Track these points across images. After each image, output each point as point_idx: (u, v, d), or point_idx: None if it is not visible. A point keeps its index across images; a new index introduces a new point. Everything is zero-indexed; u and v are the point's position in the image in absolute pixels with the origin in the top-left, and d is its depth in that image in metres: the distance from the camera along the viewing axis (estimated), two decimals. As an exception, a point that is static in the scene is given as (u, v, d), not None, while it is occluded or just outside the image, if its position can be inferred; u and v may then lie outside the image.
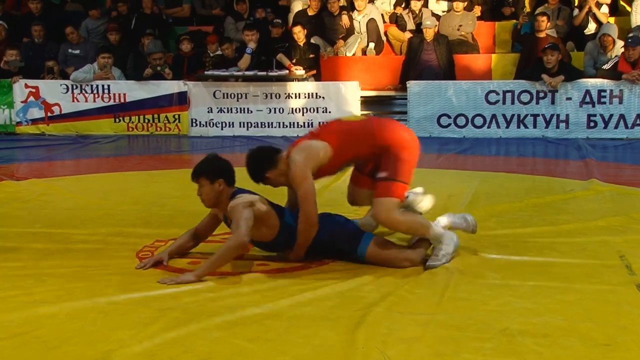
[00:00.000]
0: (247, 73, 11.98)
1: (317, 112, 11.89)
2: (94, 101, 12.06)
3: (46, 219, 6.87)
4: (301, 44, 12.17)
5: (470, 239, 5.65)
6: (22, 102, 12.06)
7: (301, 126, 11.75)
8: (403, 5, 13.22)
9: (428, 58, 11.99)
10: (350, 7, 13.17)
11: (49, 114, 12.07)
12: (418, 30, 12.51)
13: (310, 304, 4.44)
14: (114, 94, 12.06)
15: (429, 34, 11.97)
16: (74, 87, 12.01)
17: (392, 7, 13.37)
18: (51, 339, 3.89)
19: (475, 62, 12.45)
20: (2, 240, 5.96)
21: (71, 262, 5.32)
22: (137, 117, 12.11)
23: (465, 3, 12.63)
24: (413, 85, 11.67)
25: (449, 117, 11.54)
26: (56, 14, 13.90)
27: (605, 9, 12.61)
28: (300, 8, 13.32)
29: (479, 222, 5.81)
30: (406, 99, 11.76)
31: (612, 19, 12.59)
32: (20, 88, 12.05)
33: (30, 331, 3.99)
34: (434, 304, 4.41)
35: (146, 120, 12.13)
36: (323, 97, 11.87)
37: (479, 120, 11.46)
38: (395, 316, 4.20)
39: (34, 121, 12.09)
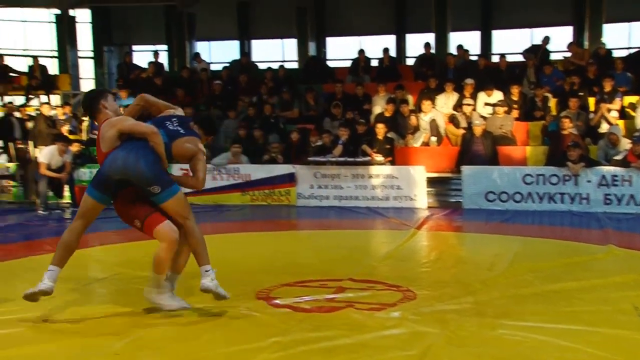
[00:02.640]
0: (340, 159, 12.12)
1: (392, 189, 11.92)
2: (228, 179, 12.30)
3: (191, 265, 6.99)
4: (381, 137, 12.29)
5: (513, 288, 5.60)
6: (176, 180, 12.36)
7: (380, 199, 11.78)
8: (458, 109, 13.22)
9: (477, 149, 11.97)
10: (418, 109, 13.25)
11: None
12: (469, 127, 12.46)
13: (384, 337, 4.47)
14: (242, 174, 12.28)
15: (477, 131, 11.98)
16: (214, 169, 12.28)
17: (450, 109, 13.38)
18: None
19: (514, 152, 12.35)
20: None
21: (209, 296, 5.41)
22: (258, 191, 12.29)
23: (506, 108, 12.63)
24: (466, 169, 11.65)
25: (494, 193, 11.44)
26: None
27: (615, 114, 12.45)
28: (380, 111, 13.47)
29: (520, 276, 5.78)
30: (461, 179, 11.71)
31: (621, 122, 12.42)
32: (175, 170, 12.35)
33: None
34: (486, 340, 4.38)
35: (264, 194, 12.30)
36: (397, 178, 11.89)
37: (518, 197, 11.34)
38: (453, 349, 4.20)
39: (185, 194, 12.32)
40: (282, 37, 22.71)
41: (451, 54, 15.71)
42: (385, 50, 16.15)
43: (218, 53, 22.89)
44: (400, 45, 21.37)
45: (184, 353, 4.30)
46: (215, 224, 10.37)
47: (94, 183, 5.00)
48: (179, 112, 5.52)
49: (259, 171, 12.35)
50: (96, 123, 5.31)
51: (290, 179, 12.18)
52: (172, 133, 5.15)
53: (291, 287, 5.91)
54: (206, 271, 5.04)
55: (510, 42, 19.66)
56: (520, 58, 15.52)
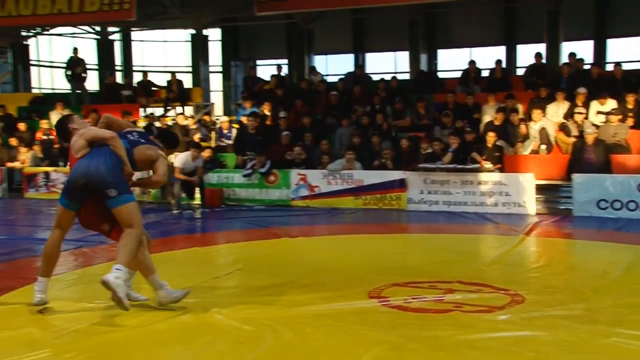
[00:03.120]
0: (449, 166, 11.91)
1: (501, 195, 11.57)
2: (342, 184, 12.35)
3: (307, 265, 7.08)
4: (490, 145, 11.98)
5: (627, 296, 5.32)
6: (295, 184, 12.56)
7: (488, 205, 11.48)
8: (569, 118, 12.67)
9: (589, 157, 11.42)
10: (528, 118, 12.82)
11: (312, 193, 12.47)
12: (581, 136, 11.91)
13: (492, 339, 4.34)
14: (355, 179, 12.30)
15: (589, 139, 11.43)
16: (329, 174, 12.36)
17: (560, 118, 12.85)
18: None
19: (629, 160, 11.67)
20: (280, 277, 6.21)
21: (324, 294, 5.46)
22: (370, 195, 12.26)
23: (620, 116, 11.98)
24: (577, 177, 11.14)
25: (607, 201, 10.84)
26: (320, 127, 14.39)
27: None
28: (489, 120, 13.13)
29: (635, 284, 5.51)
30: (571, 187, 11.21)
31: None
32: (294, 175, 12.57)
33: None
34: (598, 347, 4.17)
35: (376, 198, 12.25)
36: (506, 184, 11.54)
37: (632, 205, 10.66)
38: (564, 355, 4.07)
39: (302, 198, 12.53)
40: (394, 50, 22.63)
41: (566, 64, 15.10)
42: (498, 62, 15.76)
43: (334, 66, 23.07)
44: (511, 55, 20.80)
45: (301, 345, 4.35)
46: (329, 226, 10.44)
47: (63, 191, 5.14)
48: (139, 129, 5.63)
49: (371, 177, 12.32)
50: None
51: (401, 184, 12.08)
52: (133, 142, 5.26)
53: (401, 288, 5.86)
54: (117, 269, 4.80)
55: (626, 51, 18.68)
56: (637, 66, 14.69)
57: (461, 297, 5.51)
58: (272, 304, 5.33)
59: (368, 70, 20.85)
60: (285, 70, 20.35)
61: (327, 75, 19.58)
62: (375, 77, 17.50)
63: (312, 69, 18.90)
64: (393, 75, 17.17)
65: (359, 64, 21.53)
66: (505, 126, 12.72)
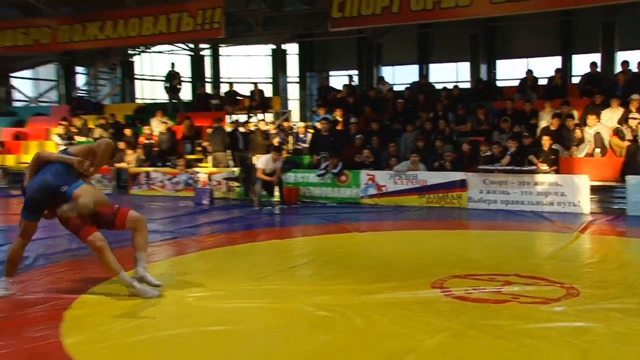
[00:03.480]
0: (507, 168, 11.60)
1: (556, 195, 11.17)
2: (407, 184, 12.23)
3: (375, 257, 7.04)
4: (546, 148, 11.61)
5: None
6: (364, 184, 12.51)
7: (544, 204, 11.13)
8: (623, 123, 12.13)
9: (642, 159, 10.90)
10: (583, 123, 12.35)
11: (380, 192, 12.40)
12: (635, 140, 11.40)
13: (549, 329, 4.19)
14: (419, 180, 12.15)
15: (643, 143, 10.92)
16: (395, 175, 12.26)
17: (614, 123, 12.32)
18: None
19: (680, 163, 11.08)
20: (350, 268, 6.19)
21: (390, 284, 5.40)
22: (433, 194, 12.08)
23: (672, 121, 11.41)
24: (631, 179, 10.66)
25: (661, 201, 10.33)
26: (387, 131, 14.30)
27: None
28: (545, 125, 12.72)
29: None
30: (625, 188, 10.74)
31: None
32: (363, 175, 12.53)
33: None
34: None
35: (439, 197, 12.06)
36: (561, 185, 11.15)
37: (682, 205, 10.14)
38: (617, 346, 3.91)
39: (371, 196, 12.47)
40: (456, 61, 22.29)
41: (622, 72, 14.48)
42: (558, 70, 15.34)
43: (400, 76, 22.91)
44: (566, 65, 20.15)
45: (370, 329, 4.33)
46: (395, 222, 10.36)
47: (24, 207, 5.27)
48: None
49: (434, 177, 12.13)
50: None
51: (461, 184, 11.85)
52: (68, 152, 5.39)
53: (462, 279, 5.75)
54: None
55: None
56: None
57: (519, 289, 5.36)
58: (342, 292, 5.32)
59: (431, 79, 20.61)
60: (355, 80, 20.34)
61: (394, 84, 19.44)
62: (438, 86, 17.29)
63: (380, 79, 18.79)
64: (455, 84, 16.88)
65: (423, 74, 21.33)
66: (560, 131, 12.30)
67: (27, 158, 17.73)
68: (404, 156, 12.93)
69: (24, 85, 26.24)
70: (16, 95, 25.18)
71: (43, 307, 4.95)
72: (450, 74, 22.33)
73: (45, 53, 21.75)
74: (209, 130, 15.39)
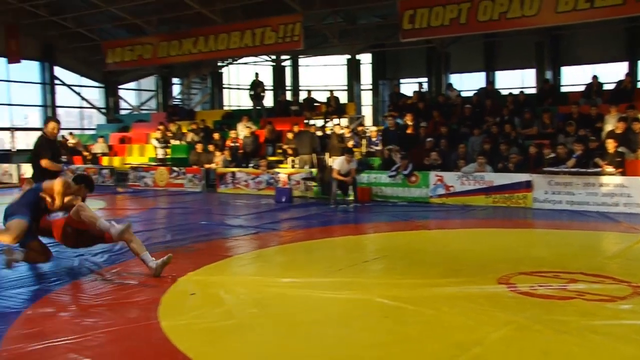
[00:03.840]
0: (572, 170, 11.11)
1: (622, 196, 10.60)
2: (474, 185, 11.94)
3: (443, 253, 6.90)
4: (611, 151, 11.04)
5: None
6: (433, 184, 12.30)
7: (609, 205, 10.58)
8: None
9: None
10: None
11: (448, 192, 12.16)
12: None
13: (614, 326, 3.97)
14: (486, 180, 11.83)
15: None
16: (463, 176, 12.00)
17: (682, 126, 11.60)
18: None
19: None
20: (420, 263, 6.09)
21: (458, 279, 5.28)
22: (499, 195, 11.72)
23: None
24: (698, 181, 9.97)
25: None
26: (455, 135, 14.01)
27: None
28: (611, 128, 12.10)
29: None
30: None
31: None
32: (432, 176, 12.33)
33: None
34: None
35: (505, 197, 11.69)
36: (627, 187, 10.58)
37: None
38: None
39: (439, 196, 12.25)
40: (522, 68, 21.56)
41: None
42: (628, 74, 14.62)
43: (467, 82, 22.41)
44: (633, 71, 19.09)
45: (438, 321, 4.25)
46: (463, 220, 10.13)
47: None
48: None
49: (501, 178, 11.77)
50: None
51: (527, 185, 11.44)
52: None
53: (528, 276, 5.55)
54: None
55: None
56: None
57: (584, 286, 5.12)
58: (412, 285, 5.25)
59: (497, 86, 20.05)
60: (425, 87, 20.06)
61: (461, 90, 19.02)
62: (504, 92, 16.80)
63: (449, 86, 18.45)
64: (520, 90, 16.35)
65: (490, 81, 20.78)
66: (626, 134, 11.68)
67: (131, 159, 18.55)
68: (471, 158, 12.63)
69: (129, 95, 27.47)
70: (122, 104, 26.42)
71: (143, 292, 5.14)
72: (516, 80, 21.65)
73: (147, 67, 22.67)
74: (290, 135, 15.56)
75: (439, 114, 15.10)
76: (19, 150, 21.71)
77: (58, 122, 7.84)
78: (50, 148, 7.65)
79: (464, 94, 17.90)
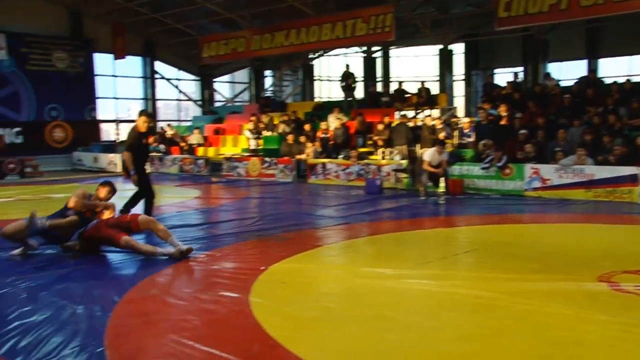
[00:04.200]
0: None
1: None
2: (573, 178, 11.37)
3: (538, 248, 6.61)
4: None
5: None
6: (528, 177, 11.82)
7: None
8: None
9: None
10: None
11: (544, 185, 11.66)
12: None
13: None
14: (586, 174, 11.22)
15: None
16: (560, 169, 11.44)
17: None
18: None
19: None
20: (512, 258, 5.89)
21: (553, 275, 5.06)
22: (601, 189, 11.09)
23: None
24: None
25: None
26: (552, 126, 13.36)
27: None
28: None
29: None
30: None
31: None
32: (527, 168, 11.86)
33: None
34: None
35: (607, 191, 11.04)
36: None
37: None
38: None
39: (535, 189, 11.76)
40: (628, 54, 20.19)
41: None
42: None
43: (567, 71, 21.29)
44: None
45: (532, 317, 4.10)
46: (559, 214, 9.68)
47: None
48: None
49: (602, 171, 11.10)
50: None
51: (632, 179, 10.72)
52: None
53: (633, 275, 5.22)
54: None
55: None
56: None
57: (696, 288, 4.75)
58: (504, 280, 5.09)
59: (600, 74, 18.90)
60: (520, 77, 19.29)
61: (560, 80, 18.10)
62: (608, 81, 15.80)
63: (547, 75, 17.63)
64: (627, 78, 15.32)
65: (592, 69, 19.63)
66: None
67: (225, 150, 19.19)
68: (570, 150, 12.02)
69: (223, 88, 28.43)
70: (217, 96, 27.38)
71: (235, 279, 5.32)
72: (622, 68, 20.30)
73: (241, 60, 23.33)
74: (380, 127, 15.49)
75: (535, 104, 14.48)
76: (123, 141, 23.07)
77: (149, 115, 8.32)
78: (138, 141, 8.11)
79: (562, 84, 17.04)
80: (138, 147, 8.07)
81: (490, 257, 6.15)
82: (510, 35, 19.03)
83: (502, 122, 14.03)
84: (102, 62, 23.45)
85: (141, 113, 8.26)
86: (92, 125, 22.97)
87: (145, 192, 8.32)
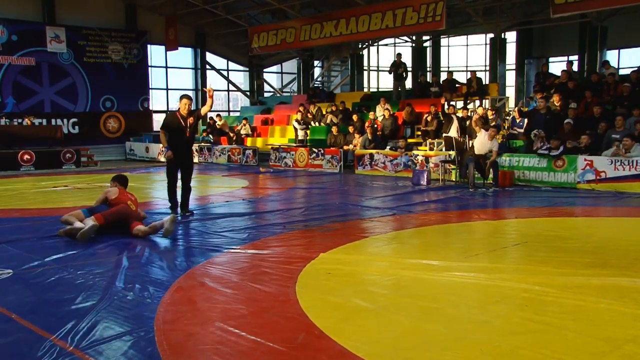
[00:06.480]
0: None
1: None
2: (630, 170, 10.95)
3: (590, 242, 6.40)
4: None
5: None
6: (581, 169, 11.46)
7: None
8: None
9: None
10: None
11: (598, 177, 11.28)
12: None
13: None
14: (645, 166, 10.81)
15: None
16: (616, 161, 11.03)
17: None
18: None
19: None
20: (563, 252, 5.72)
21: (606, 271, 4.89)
22: (660, 182, 10.67)
23: None
24: None
25: None
26: (609, 116, 12.89)
27: None
28: None
29: None
30: None
31: None
32: (580, 160, 11.50)
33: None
34: None
35: (667, 185, 10.61)
36: None
37: None
38: None
39: (588, 181, 11.41)
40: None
41: None
42: None
43: (627, 59, 20.48)
44: None
45: (583, 313, 3.98)
46: (614, 208, 9.36)
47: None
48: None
49: (663, 164, 10.69)
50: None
51: (694, 172, 10.29)
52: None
53: (693, 272, 5.00)
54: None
55: None
56: None
57: None
58: (555, 274, 4.96)
59: (664, 61, 18.10)
60: (575, 66, 18.67)
61: (619, 68, 17.43)
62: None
63: (605, 63, 17.00)
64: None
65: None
66: None
67: (273, 141, 19.36)
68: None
69: (272, 78, 28.63)
70: (265, 87, 27.60)
71: (281, 268, 5.37)
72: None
73: (290, 50, 23.42)
74: (429, 117, 15.29)
75: (591, 93, 13.99)
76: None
77: (190, 99, 8.59)
78: (175, 122, 8.43)
79: (622, 72, 16.41)
80: (175, 128, 8.39)
81: (540, 251, 6.00)
82: (565, 22, 18.43)
83: (555, 112, 13.63)
84: (155, 53, 23.99)
85: (182, 97, 8.53)
86: (145, 116, 23.56)
87: (168, 174, 8.64)
